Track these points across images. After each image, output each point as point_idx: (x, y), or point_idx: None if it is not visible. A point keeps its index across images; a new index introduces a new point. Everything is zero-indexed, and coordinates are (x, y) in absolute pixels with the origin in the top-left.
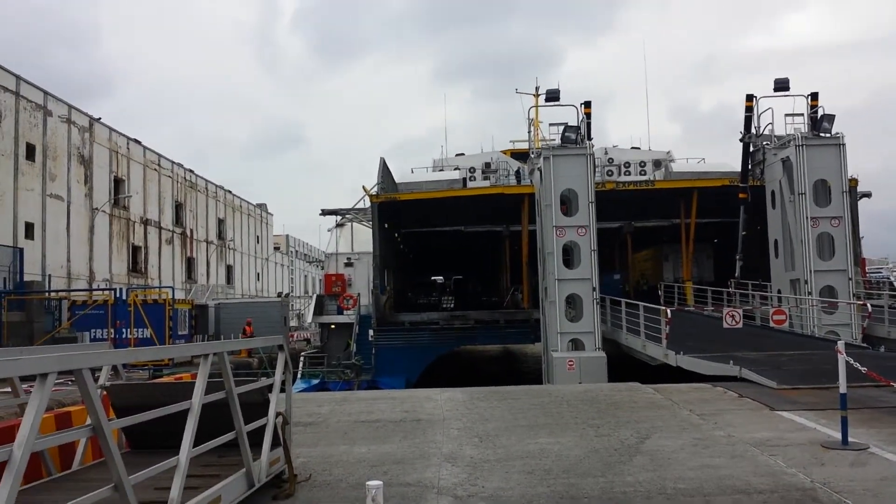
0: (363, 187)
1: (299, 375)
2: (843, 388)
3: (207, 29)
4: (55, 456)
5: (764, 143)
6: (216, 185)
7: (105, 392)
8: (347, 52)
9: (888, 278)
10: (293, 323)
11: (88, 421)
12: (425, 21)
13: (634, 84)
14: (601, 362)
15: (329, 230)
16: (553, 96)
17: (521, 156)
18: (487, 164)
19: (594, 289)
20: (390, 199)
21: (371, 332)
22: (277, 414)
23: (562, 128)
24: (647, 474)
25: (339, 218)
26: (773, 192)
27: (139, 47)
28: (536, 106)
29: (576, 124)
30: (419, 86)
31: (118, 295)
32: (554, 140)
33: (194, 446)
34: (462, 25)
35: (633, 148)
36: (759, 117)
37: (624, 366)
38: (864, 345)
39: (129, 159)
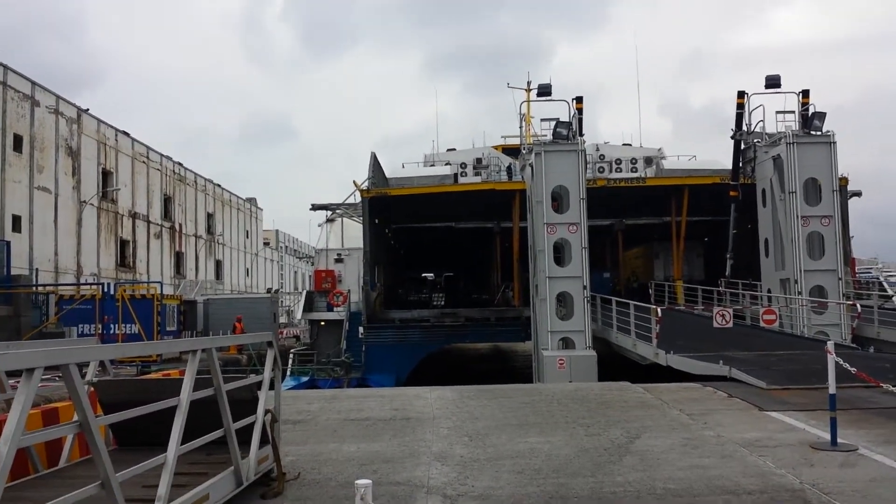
0: (354, 182)
1: (288, 373)
2: (832, 389)
3: (197, 19)
4: (42, 452)
5: (755, 140)
6: (205, 179)
7: (92, 388)
8: (337, 43)
9: (878, 278)
10: (282, 319)
11: (75, 417)
12: (415, 12)
13: (625, 79)
14: (592, 361)
15: (319, 225)
16: (545, 91)
17: (512, 151)
18: (479, 160)
19: (585, 287)
20: (381, 194)
21: (361, 330)
22: (266, 411)
23: (553, 123)
24: (636, 474)
25: (329, 213)
26: (763, 191)
27: (128, 38)
28: (528, 101)
29: (567, 120)
30: (409, 78)
31: (106, 290)
32: (545, 136)
33: (182, 444)
34: (452, 18)
35: (624, 144)
36: (750, 114)
37: (614, 365)
38: (854, 345)
39: (118, 151)
